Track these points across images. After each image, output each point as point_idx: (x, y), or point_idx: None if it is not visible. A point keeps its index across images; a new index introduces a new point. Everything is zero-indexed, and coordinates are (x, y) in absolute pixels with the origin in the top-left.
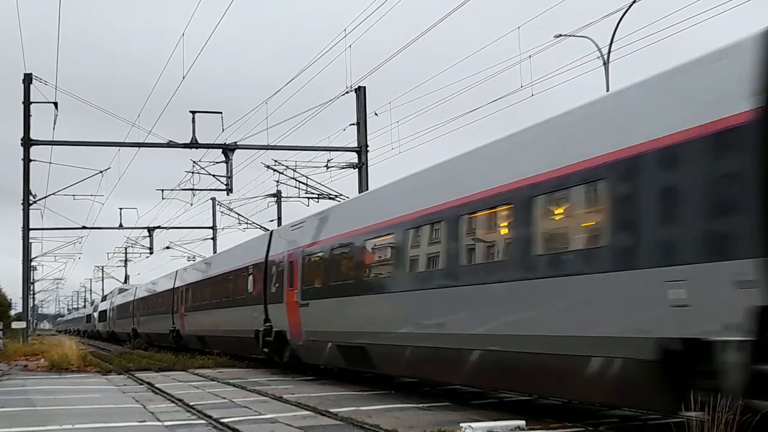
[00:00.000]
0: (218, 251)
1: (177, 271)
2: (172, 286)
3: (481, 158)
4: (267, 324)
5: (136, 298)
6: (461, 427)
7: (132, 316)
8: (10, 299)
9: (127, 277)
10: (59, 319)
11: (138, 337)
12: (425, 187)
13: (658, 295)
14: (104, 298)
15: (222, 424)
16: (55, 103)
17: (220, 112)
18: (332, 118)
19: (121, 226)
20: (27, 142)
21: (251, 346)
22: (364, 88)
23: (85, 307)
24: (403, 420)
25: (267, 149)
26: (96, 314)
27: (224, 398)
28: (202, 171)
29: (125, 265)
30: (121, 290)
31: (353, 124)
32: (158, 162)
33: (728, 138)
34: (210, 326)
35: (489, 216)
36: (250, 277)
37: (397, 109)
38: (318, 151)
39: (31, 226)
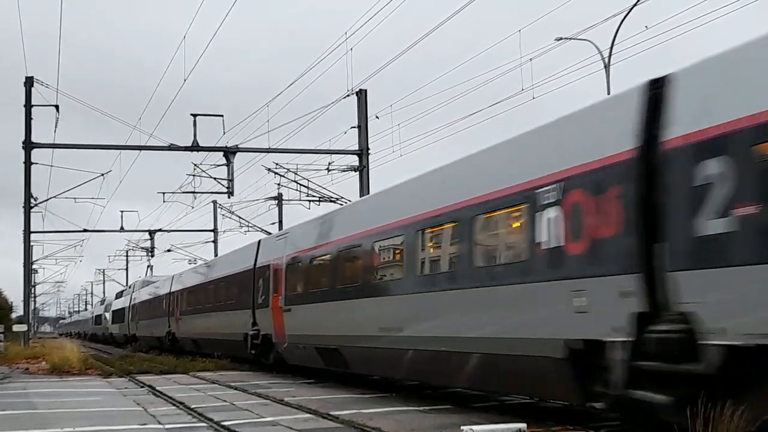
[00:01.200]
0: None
1: (260, 242)
2: (251, 266)
3: None
4: (656, 332)
5: (175, 290)
6: (462, 429)
7: (168, 315)
8: (11, 302)
9: (149, 267)
10: (61, 321)
11: (176, 342)
12: None
13: None
14: (120, 295)
15: (223, 427)
16: (57, 106)
17: (221, 115)
18: (333, 121)
19: (122, 229)
20: (28, 145)
21: (546, 378)
22: (365, 91)
23: (86, 309)
24: (404, 423)
25: (268, 152)
26: (108, 314)
27: (225, 401)
28: (203, 174)
29: (151, 251)
30: (147, 282)
31: (354, 127)
32: (159, 165)
33: None
34: (361, 329)
35: None
36: (546, 217)
37: (398, 112)
38: (319, 154)
39: (32, 229)
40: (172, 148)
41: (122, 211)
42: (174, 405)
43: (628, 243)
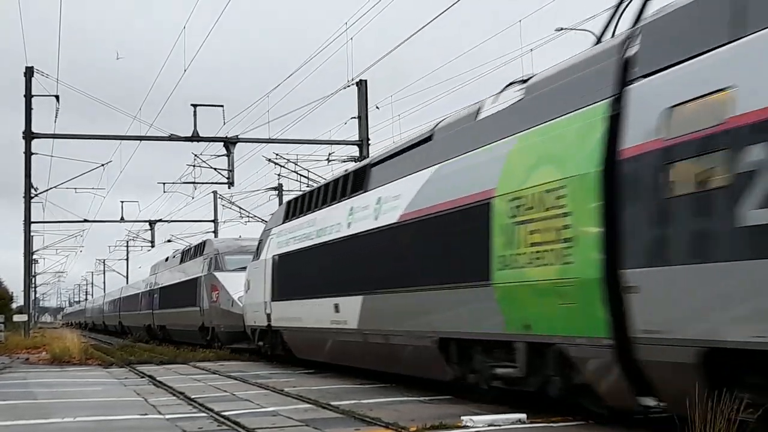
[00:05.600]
0: None
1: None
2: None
3: None
4: None
5: None
6: (463, 420)
7: None
8: (12, 292)
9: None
10: (67, 309)
11: None
12: None
13: None
14: (305, 205)
15: (223, 417)
16: (57, 96)
17: (222, 106)
18: (333, 111)
19: (122, 220)
20: (28, 135)
21: None
22: (365, 81)
23: (88, 298)
24: (404, 413)
25: (268, 142)
26: (228, 278)
27: (226, 391)
28: (204, 164)
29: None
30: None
31: (354, 118)
32: (159, 155)
33: None
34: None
35: None
36: None
37: (398, 103)
38: (319, 145)
39: (32, 220)
40: (172, 138)
41: (122, 202)
42: (174, 395)
43: None
